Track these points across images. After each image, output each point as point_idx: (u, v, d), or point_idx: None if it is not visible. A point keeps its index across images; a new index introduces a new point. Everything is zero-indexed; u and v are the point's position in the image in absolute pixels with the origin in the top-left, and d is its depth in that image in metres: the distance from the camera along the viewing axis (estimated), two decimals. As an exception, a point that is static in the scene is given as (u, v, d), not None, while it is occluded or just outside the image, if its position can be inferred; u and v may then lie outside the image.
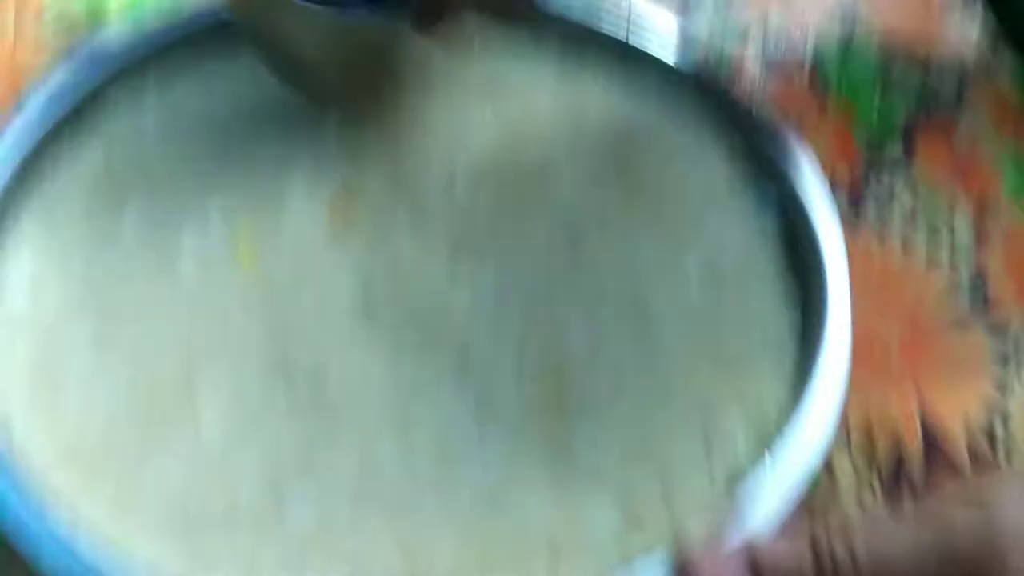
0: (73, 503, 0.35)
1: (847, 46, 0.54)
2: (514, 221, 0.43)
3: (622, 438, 0.38)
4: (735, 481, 0.37)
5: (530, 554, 0.36)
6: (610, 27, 0.48)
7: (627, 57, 0.48)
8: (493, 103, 0.47)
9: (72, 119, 0.44)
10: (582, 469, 0.38)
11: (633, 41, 0.47)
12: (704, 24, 0.54)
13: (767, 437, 0.38)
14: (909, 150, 0.51)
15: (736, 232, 0.44)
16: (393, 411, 0.38)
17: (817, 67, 0.53)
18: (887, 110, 0.52)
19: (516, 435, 0.38)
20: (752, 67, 0.52)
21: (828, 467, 0.41)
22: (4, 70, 0.49)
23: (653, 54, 0.47)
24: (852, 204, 0.49)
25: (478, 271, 0.42)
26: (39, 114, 0.43)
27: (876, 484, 0.41)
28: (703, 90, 0.47)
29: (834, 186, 0.48)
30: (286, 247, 0.42)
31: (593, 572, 0.36)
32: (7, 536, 0.34)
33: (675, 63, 0.47)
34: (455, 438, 0.38)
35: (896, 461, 0.42)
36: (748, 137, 0.46)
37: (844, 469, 0.42)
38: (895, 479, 0.42)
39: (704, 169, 0.46)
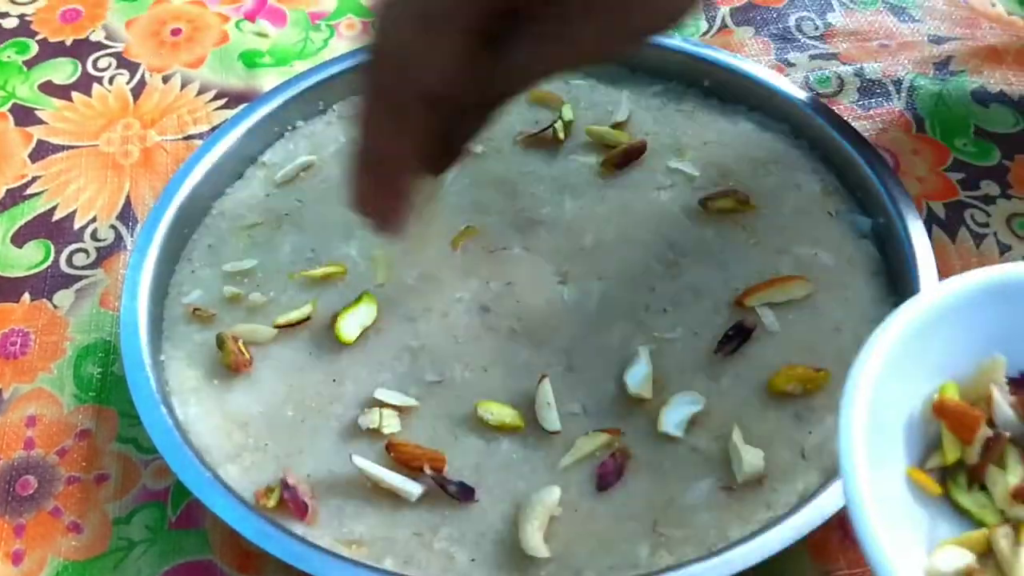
0: (238, 484, 0.40)
1: (941, 91, 0.57)
2: (618, 234, 0.48)
3: (719, 422, 0.41)
4: (824, 456, 0.40)
5: (634, 534, 0.39)
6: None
7: (723, 82, 0.53)
8: (599, 132, 0.52)
9: (236, 166, 0.51)
10: (682, 452, 0.41)
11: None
12: (801, 76, 0.58)
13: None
14: (1004, 188, 0.53)
15: (830, 240, 0.47)
16: (507, 393, 0.43)
17: (912, 111, 0.56)
18: (982, 151, 0.54)
19: (618, 422, 0.42)
20: (848, 114, 0.56)
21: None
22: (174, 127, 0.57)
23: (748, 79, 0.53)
24: (949, 237, 0.51)
25: (583, 280, 0.46)
26: (206, 160, 0.50)
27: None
28: (801, 118, 0.51)
29: (930, 221, 0.51)
30: (416, 263, 0.47)
31: (691, 551, 0.38)
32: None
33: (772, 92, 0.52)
34: (563, 418, 0.42)
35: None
36: (844, 167, 0.50)
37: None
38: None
39: (800, 189, 0.49)
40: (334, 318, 0.45)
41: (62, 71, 0.60)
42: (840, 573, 0.40)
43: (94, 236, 0.52)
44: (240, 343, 0.44)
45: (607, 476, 0.40)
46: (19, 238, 0.52)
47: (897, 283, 0.45)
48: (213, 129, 0.56)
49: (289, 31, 0.62)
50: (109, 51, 0.61)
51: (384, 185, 0.36)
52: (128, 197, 0.54)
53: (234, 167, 0.51)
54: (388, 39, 0.33)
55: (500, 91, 0.35)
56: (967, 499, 0.33)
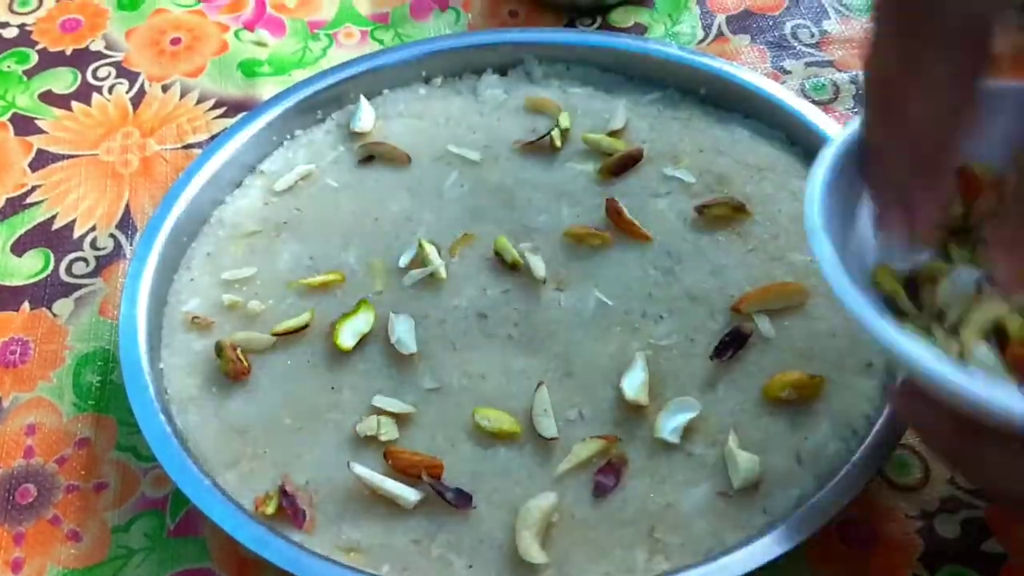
0: (237, 492, 0.41)
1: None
2: (616, 239, 0.48)
3: (715, 428, 0.41)
4: (820, 462, 0.40)
5: (631, 541, 0.39)
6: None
7: (719, 89, 0.53)
8: (596, 140, 0.52)
9: (234, 175, 0.52)
10: (678, 458, 0.41)
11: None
12: (796, 83, 0.58)
13: (851, 421, 0.41)
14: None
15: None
16: (505, 399, 0.43)
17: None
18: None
19: (615, 428, 0.42)
20: (844, 121, 0.56)
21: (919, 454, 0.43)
22: (172, 137, 0.58)
23: (744, 87, 0.53)
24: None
25: (580, 287, 0.46)
26: (205, 169, 0.51)
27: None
28: (797, 125, 0.51)
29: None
30: (414, 270, 0.47)
31: (688, 557, 0.38)
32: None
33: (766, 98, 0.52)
34: (560, 425, 0.42)
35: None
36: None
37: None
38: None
39: (796, 196, 0.49)
40: (332, 326, 0.45)
41: (62, 81, 0.61)
42: (836, 579, 0.40)
43: (93, 245, 0.53)
44: (239, 351, 0.44)
45: (604, 482, 0.40)
46: (19, 247, 0.53)
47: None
48: (212, 138, 0.56)
49: (288, 40, 0.63)
50: (109, 60, 0.62)
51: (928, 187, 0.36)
52: (127, 206, 0.54)
53: (233, 176, 0.52)
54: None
55: None
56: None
